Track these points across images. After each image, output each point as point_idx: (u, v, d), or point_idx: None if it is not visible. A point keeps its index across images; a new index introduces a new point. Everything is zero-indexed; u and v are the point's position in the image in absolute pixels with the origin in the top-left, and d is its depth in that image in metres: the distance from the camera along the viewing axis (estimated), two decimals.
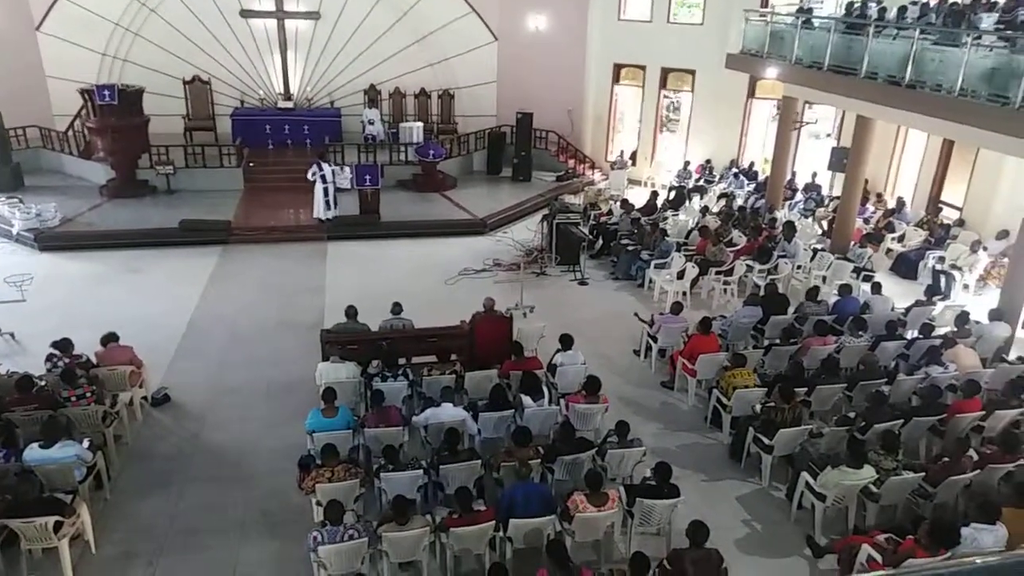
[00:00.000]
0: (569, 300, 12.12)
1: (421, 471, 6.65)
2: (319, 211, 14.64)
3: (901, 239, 13.84)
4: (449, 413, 7.41)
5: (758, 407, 7.92)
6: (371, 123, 18.79)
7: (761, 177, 17.07)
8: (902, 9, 12.15)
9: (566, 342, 8.69)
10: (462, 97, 20.15)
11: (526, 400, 7.76)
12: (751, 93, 17.67)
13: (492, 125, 19.50)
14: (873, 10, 12.76)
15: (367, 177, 14.65)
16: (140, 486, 7.26)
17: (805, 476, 6.91)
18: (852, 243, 13.27)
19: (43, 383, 7.74)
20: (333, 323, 9.36)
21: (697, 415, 8.83)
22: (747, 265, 12.20)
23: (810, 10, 14.61)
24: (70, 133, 17.16)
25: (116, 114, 15.01)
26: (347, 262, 13.36)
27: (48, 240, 13.34)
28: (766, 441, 7.42)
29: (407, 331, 9.07)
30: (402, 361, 8.52)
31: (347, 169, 16.12)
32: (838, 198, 14.35)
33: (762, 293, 10.78)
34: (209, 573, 6.28)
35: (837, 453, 7.19)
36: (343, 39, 19.26)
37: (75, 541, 6.22)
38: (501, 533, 6.11)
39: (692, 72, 18.19)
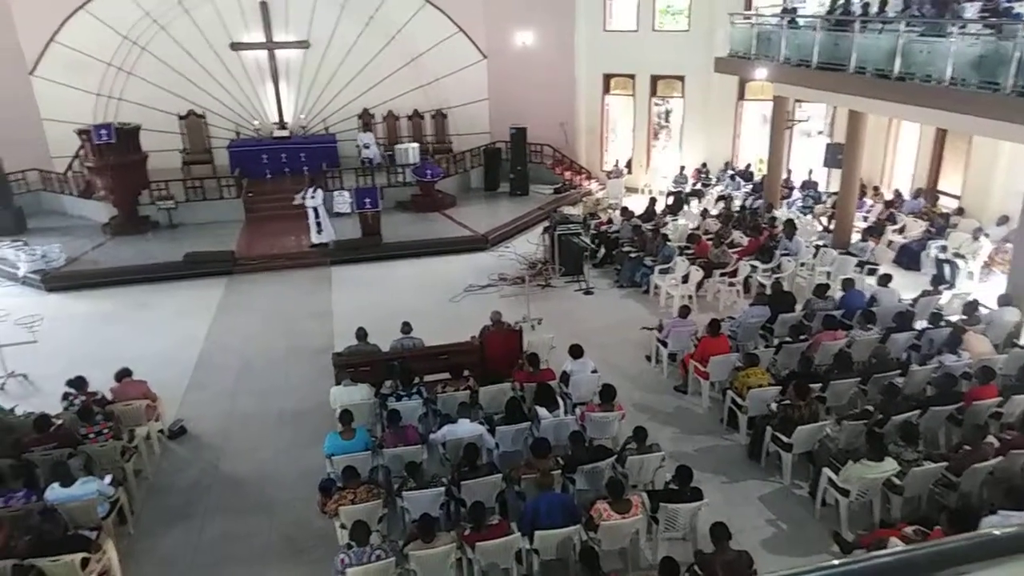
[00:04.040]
0: (576, 310, 12.15)
1: (443, 488, 6.65)
2: (312, 237, 14.77)
3: (902, 231, 13.90)
4: (466, 429, 7.42)
5: (774, 406, 7.93)
6: (366, 147, 18.91)
7: (757, 177, 17.18)
8: (883, 2, 12.30)
9: (576, 352, 8.72)
10: (455, 116, 20.30)
11: (541, 412, 7.77)
12: (741, 95, 17.81)
13: (487, 142, 19.62)
14: (857, 5, 12.91)
15: (367, 200, 14.73)
16: (163, 519, 7.27)
17: (827, 472, 6.91)
18: (857, 236, 13.31)
19: (60, 422, 7.76)
20: (342, 346, 9.41)
21: (712, 417, 8.83)
22: (751, 265, 12.25)
23: (794, 10, 14.78)
24: (69, 174, 17.27)
25: (114, 152, 15.08)
26: (352, 285, 13.41)
27: (55, 281, 13.40)
28: (784, 439, 7.42)
29: (418, 350, 9.09)
30: (415, 380, 8.53)
31: (346, 193, 16.26)
32: (836, 194, 14.44)
33: (768, 292, 10.82)
34: None
35: (857, 447, 7.21)
36: (334, 66, 19.44)
37: None
38: (527, 545, 6.11)
39: (681, 78, 18.34)
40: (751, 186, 17.00)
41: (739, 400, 8.28)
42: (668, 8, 18.61)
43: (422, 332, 9.39)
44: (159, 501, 7.59)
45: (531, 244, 14.95)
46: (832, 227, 14.04)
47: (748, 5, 16.78)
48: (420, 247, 14.95)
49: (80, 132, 15.42)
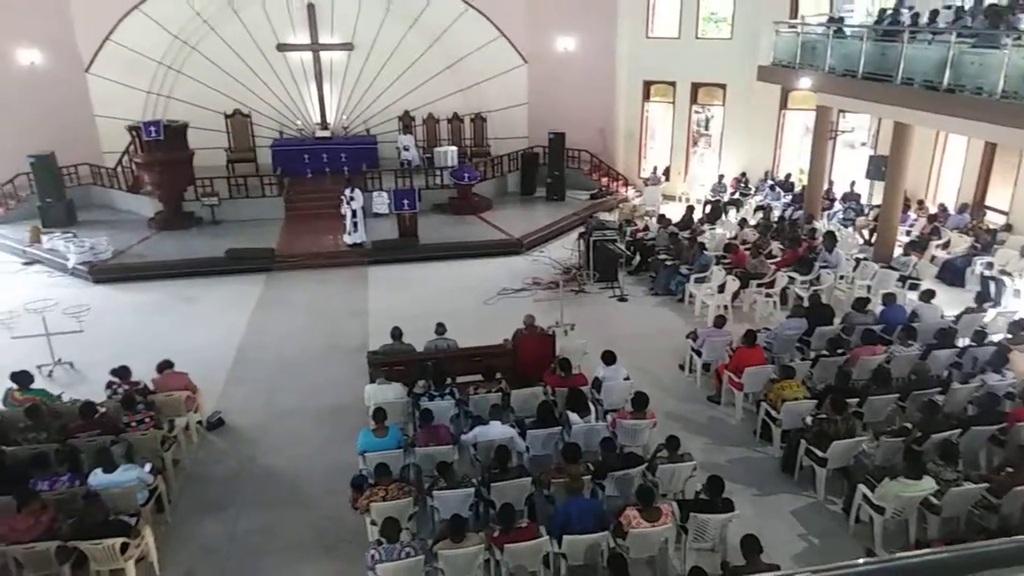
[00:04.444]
0: (610, 317, 12.13)
1: (473, 489, 6.70)
2: (345, 237, 14.97)
3: (946, 246, 13.59)
4: (497, 431, 7.47)
5: (809, 419, 7.82)
6: (406, 149, 19.12)
7: (798, 188, 16.96)
8: (934, 13, 12.07)
9: (608, 358, 8.71)
10: (494, 120, 20.41)
11: (573, 417, 7.78)
12: (784, 104, 17.61)
13: (524, 146, 19.68)
14: (906, 16, 12.68)
15: (404, 201, 14.89)
16: (199, 509, 7.44)
17: (862, 488, 6.80)
18: (900, 250, 13.06)
19: (104, 409, 7.99)
20: (377, 345, 9.53)
21: (745, 429, 8.74)
22: (789, 277, 12.09)
23: (841, 19, 14.58)
24: (119, 169, 17.76)
25: (162, 149, 15.49)
26: (388, 285, 13.57)
27: (102, 273, 13.80)
28: (819, 453, 7.32)
29: (452, 351, 9.17)
30: (448, 380, 8.60)
31: (384, 194, 16.46)
32: (878, 207, 14.18)
33: (806, 304, 10.68)
34: None
35: (894, 465, 7.08)
36: (376, 68, 19.68)
37: (140, 563, 6.38)
38: (555, 549, 6.12)
39: (723, 86, 18.21)
40: (791, 197, 16.78)
41: (773, 412, 8.19)
42: (711, 16, 18.49)
43: (456, 333, 9.46)
44: (196, 491, 7.77)
45: (566, 249, 14.95)
46: (874, 240, 13.79)
47: (793, 14, 16.59)
48: (456, 249, 15.07)
49: (131, 128, 15.87)
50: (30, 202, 16.54)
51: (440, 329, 9.40)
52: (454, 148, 19.08)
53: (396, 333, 9.23)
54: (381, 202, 16.45)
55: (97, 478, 6.75)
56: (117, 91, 18.49)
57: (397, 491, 6.54)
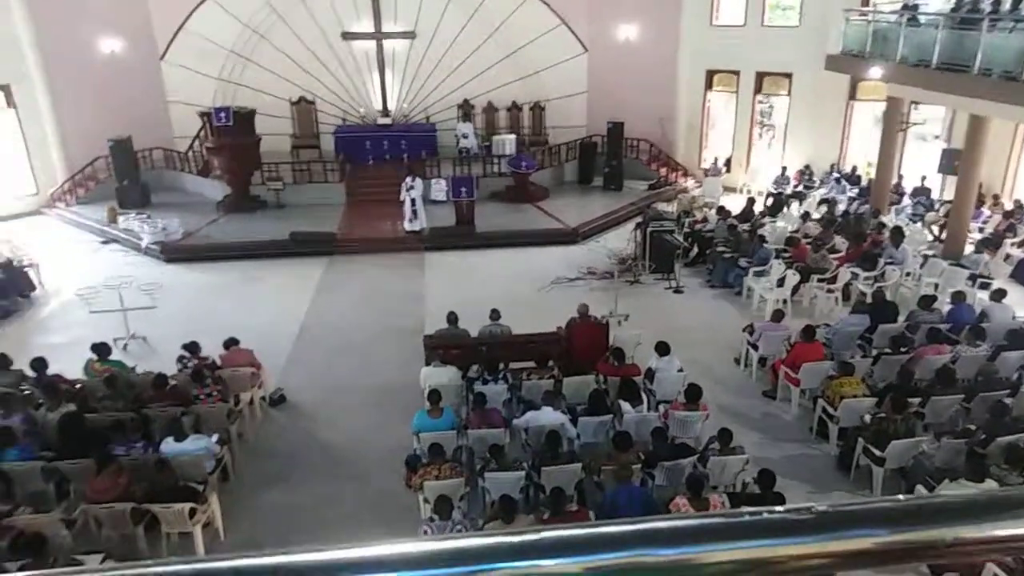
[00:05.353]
0: (664, 308, 12.06)
1: (523, 472, 6.82)
2: (406, 224, 15.25)
3: (1022, 244, 13.02)
4: (549, 417, 7.55)
5: (868, 417, 7.67)
6: (465, 137, 19.29)
7: (864, 182, 16.46)
8: (1016, 0, 11.53)
9: (662, 349, 8.69)
10: (553, 109, 20.38)
11: (625, 406, 7.81)
12: (852, 95, 17.09)
13: (583, 135, 19.62)
14: (987, 3, 12.15)
15: (462, 189, 15.07)
16: (261, 479, 7.77)
17: (921, 490, 6.64)
18: (971, 247, 12.59)
19: (175, 382, 8.39)
20: (432, 329, 9.72)
21: (801, 425, 8.62)
22: (852, 272, 11.79)
23: (915, 7, 14.05)
24: (190, 153, 18.48)
25: (231, 134, 16.05)
26: (444, 271, 13.79)
27: (173, 252, 14.44)
28: (877, 453, 7.18)
29: (506, 337, 9.29)
30: (501, 366, 8.73)
31: (443, 182, 16.67)
32: (950, 202, 13.67)
33: (869, 300, 10.41)
34: None
35: (954, 467, 6.88)
36: (437, 56, 19.87)
37: (206, 528, 6.72)
38: None
39: (788, 75, 17.76)
40: (857, 190, 16.30)
41: (830, 409, 8.05)
42: (778, 3, 18.03)
43: (510, 320, 9.58)
44: (258, 463, 8.10)
45: (622, 240, 14.89)
46: (944, 237, 13.32)
47: (865, 1, 16.05)
48: (512, 237, 15.16)
49: (201, 114, 16.49)
50: (108, 184, 17.38)
51: (494, 315, 9.53)
52: (512, 136, 19.16)
53: (452, 318, 9.40)
54: (439, 189, 16.70)
55: (168, 446, 7.12)
56: (189, 78, 19.15)
57: (449, 471, 6.70)
